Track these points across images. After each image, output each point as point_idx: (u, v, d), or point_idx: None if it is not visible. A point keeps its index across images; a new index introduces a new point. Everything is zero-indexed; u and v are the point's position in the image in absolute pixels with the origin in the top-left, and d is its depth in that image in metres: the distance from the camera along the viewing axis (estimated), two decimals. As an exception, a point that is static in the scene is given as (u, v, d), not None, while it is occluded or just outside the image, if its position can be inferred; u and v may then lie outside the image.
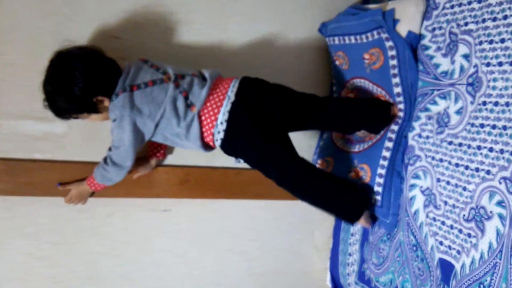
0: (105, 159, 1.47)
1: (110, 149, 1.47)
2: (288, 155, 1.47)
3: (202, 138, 1.45)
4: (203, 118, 1.44)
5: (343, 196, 1.51)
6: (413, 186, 1.47)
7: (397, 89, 1.50)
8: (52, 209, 1.56)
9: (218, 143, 1.45)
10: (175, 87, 1.42)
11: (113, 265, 1.72)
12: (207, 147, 1.50)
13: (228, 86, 1.45)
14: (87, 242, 1.67)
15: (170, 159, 1.73)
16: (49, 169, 1.53)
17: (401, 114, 1.51)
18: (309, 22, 1.81)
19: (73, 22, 1.53)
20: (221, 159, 1.75)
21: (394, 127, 1.54)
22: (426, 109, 1.45)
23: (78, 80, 1.34)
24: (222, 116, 1.42)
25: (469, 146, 1.29)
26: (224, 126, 1.42)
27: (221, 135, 1.43)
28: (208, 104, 1.43)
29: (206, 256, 1.86)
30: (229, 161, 1.78)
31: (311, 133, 1.92)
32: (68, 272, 1.66)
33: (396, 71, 1.49)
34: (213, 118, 1.43)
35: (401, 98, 1.50)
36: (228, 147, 1.46)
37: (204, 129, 1.45)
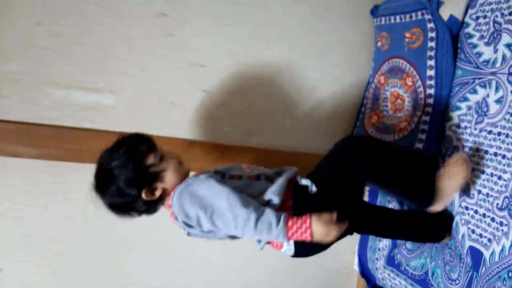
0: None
1: None
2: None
3: None
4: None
5: (424, 230, 1.50)
6: (449, 177, 1.48)
7: (430, 72, 1.51)
8: (97, 176, 1.63)
9: None
10: None
11: (147, 233, 1.78)
12: None
13: None
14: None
15: (208, 137, 1.77)
16: (97, 138, 1.59)
17: (431, 101, 1.51)
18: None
19: None
20: (257, 138, 1.81)
21: (426, 118, 1.53)
22: (465, 99, 1.45)
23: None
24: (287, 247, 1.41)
25: (507, 135, 1.29)
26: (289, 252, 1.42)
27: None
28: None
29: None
30: (266, 141, 1.83)
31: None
32: (107, 237, 1.74)
33: (432, 53, 1.50)
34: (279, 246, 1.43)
35: (432, 82, 1.50)
36: None
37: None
